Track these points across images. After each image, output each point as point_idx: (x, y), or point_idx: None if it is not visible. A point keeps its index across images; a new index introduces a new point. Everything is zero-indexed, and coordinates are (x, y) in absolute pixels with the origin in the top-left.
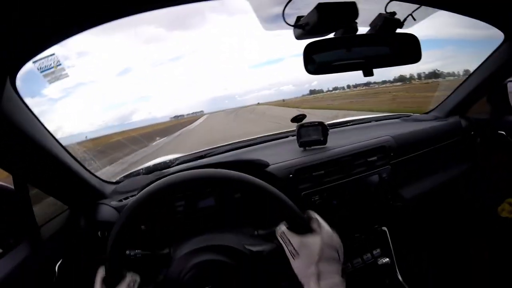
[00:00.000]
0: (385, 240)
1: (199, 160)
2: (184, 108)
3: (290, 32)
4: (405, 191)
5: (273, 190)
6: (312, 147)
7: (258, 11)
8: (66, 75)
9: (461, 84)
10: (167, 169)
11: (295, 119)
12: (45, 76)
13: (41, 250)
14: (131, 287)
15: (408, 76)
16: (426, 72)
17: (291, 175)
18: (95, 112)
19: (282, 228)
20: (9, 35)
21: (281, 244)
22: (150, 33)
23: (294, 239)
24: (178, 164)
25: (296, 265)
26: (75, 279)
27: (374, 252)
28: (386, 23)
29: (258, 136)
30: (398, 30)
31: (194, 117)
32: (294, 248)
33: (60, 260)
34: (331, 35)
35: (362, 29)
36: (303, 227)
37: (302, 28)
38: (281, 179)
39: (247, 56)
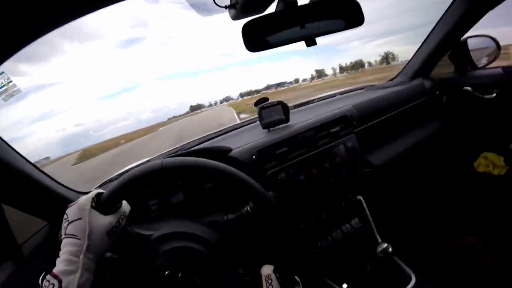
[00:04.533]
0: (361, 208)
1: None
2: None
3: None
4: (374, 157)
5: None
6: (276, 127)
7: None
8: (19, 91)
9: (420, 46)
10: None
11: (258, 103)
12: None
13: (24, 267)
14: (121, 221)
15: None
16: None
17: (254, 156)
18: None
19: (269, 271)
20: None
21: (261, 280)
22: None
23: None
24: None
25: None
26: None
27: (352, 221)
28: None
29: (230, 125)
30: None
31: None
32: None
33: (43, 273)
34: (272, 11)
35: (303, 1)
36: (289, 285)
37: (234, 8)
38: (245, 162)
39: (100, 86)
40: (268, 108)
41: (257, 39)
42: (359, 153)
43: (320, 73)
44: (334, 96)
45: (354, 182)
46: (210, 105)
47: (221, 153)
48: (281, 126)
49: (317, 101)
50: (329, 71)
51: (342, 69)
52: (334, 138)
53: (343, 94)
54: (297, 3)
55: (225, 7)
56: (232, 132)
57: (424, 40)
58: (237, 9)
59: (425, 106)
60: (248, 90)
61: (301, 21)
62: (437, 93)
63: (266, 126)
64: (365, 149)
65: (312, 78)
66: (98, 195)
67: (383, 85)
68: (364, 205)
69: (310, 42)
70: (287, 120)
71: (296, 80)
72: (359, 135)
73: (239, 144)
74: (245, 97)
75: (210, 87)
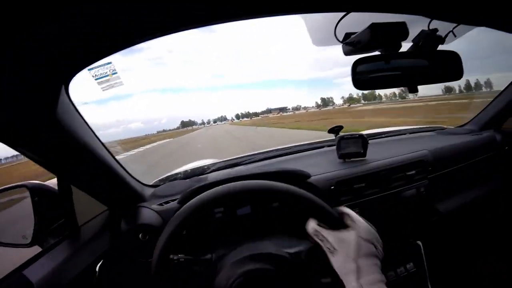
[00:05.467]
0: (419, 254)
1: (236, 168)
2: None
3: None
4: (441, 205)
5: (302, 192)
6: (352, 159)
7: (310, 28)
8: (121, 83)
9: (496, 97)
10: (205, 175)
11: (332, 130)
12: (99, 83)
13: (82, 250)
14: None
15: None
16: None
17: (332, 187)
18: None
19: (312, 225)
20: (65, 44)
21: (316, 242)
22: None
23: (330, 235)
24: (214, 171)
25: (335, 261)
26: (116, 279)
27: (408, 265)
28: (428, 39)
29: (294, 145)
30: (440, 47)
31: None
32: (331, 244)
33: (101, 261)
34: (376, 52)
35: (405, 45)
36: (336, 223)
37: (352, 45)
38: (323, 191)
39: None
40: (348, 139)
41: (363, 77)
42: (429, 200)
43: (325, 102)
44: (404, 134)
45: (417, 227)
46: (203, 123)
47: (300, 178)
48: (357, 159)
49: (386, 136)
50: (337, 101)
51: (351, 99)
52: (408, 181)
53: (413, 133)
54: (400, 47)
55: (343, 42)
56: (303, 153)
57: (502, 92)
58: (354, 48)
59: (494, 160)
60: (246, 112)
61: (403, 67)
62: (506, 148)
63: (342, 156)
64: (434, 196)
65: (318, 106)
66: None
67: (453, 131)
68: (422, 251)
69: (412, 90)
70: (364, 154)
71: (298, 107)
72: (431, 181)
73: (316, 170)
74: (242, 119)
75: (204, 106)
